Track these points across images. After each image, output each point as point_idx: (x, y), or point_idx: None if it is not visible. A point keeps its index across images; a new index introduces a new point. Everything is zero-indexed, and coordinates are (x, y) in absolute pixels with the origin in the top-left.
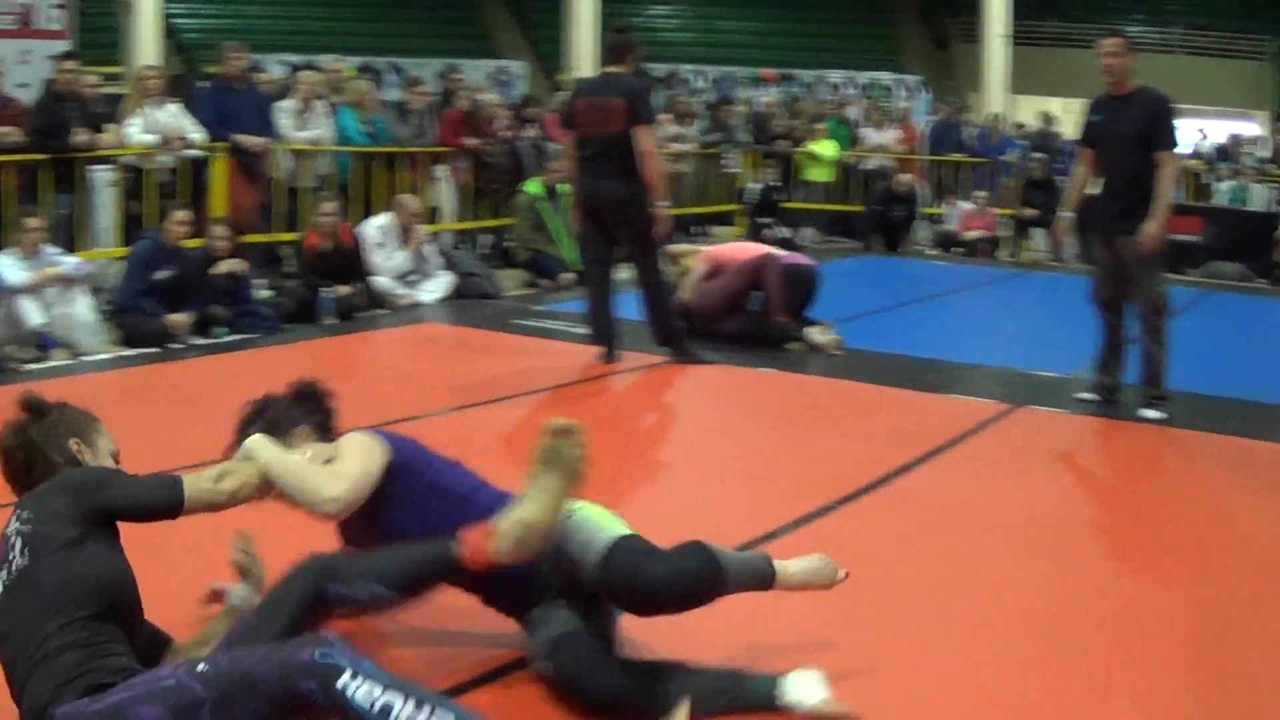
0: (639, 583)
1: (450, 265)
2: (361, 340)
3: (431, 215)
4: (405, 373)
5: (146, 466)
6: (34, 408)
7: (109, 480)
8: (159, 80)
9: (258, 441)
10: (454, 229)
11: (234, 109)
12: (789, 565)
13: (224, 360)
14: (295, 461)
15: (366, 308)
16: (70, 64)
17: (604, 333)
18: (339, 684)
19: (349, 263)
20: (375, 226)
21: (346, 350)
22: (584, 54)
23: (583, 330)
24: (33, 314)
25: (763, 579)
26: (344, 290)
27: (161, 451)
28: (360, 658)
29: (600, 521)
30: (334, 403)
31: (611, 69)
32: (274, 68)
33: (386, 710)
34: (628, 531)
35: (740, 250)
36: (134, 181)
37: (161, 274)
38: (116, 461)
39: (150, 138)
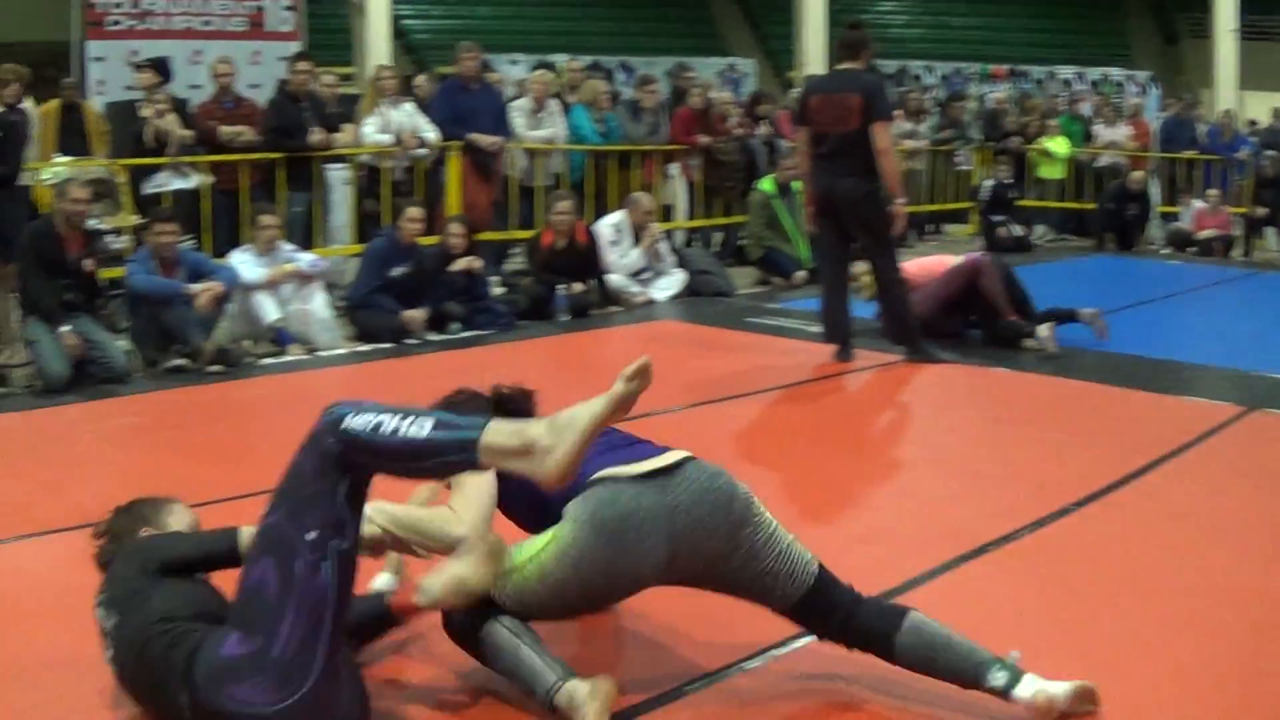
0: None
1: (683, 263)
2: (595, 337)
3: (665, 213)
4: None
5: None
6: (114, 511)
7: (161, 540)
8: (394, 80)
9: (374, 508)
10: (687, 227)
11: (468, 108)
12: None
13: (459, 356)
14: (413, 516)
15: (600, 305)
16: (304, 65)
17: (838, 331)
18: (344, 426)
19: (584, 260)
20: (609, 224)
21: (581, 347)
22: (813, 51)
23: (817, 328)
24: (269, 309)
25: None
26: (578, 288)
27: None
28: (362, 401)
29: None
30: (532, 410)
31: (846, 65)
32: (503, 67)
33: (377, 426)
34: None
35: (925, 265)
36: (369, 179)
37: (397, 270)
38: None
39: (385, 137)
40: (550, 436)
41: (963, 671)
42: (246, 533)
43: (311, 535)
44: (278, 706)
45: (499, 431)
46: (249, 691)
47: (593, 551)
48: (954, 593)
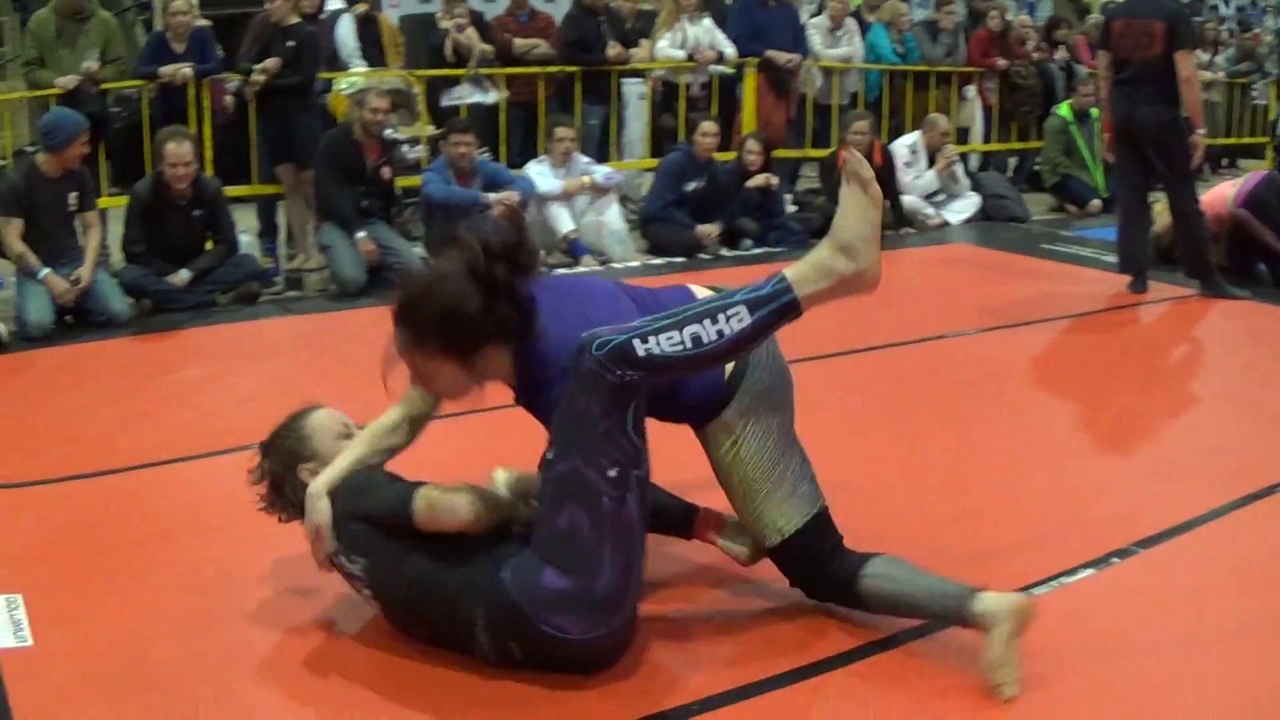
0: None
1: (978, 186)
2: (889, 258)
3: (960, 135)
4: (932, 292)
5: None
6: (262, 452)
7: (352, 493)
8: None
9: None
10: (982, 150)
11: (765, 25)
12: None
13: (751, 272)
14: None
15: (894, 226)
16: None
17: (1133, 261)
18: (639, 353)
19: (878, 180)
20: (905, 145)
21: None
22: None
23: (1111, 258)
24: (564, 221)
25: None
26: None
27: None
28: (618, 327)
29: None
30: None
31: None
32: None
33: (697, 339)
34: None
35: (1210, 197)
36: (666, 95)
37: (691, 185)
38: (348, 429)
39: (681, 53)
40: (852, 261)
41: (944, 606)
42: (424, 495)
43: (613, 473)
44: (591, 635)
45: (806, 280)
46: (567, 621)
47: (769, 407)
48: (1239, 532)
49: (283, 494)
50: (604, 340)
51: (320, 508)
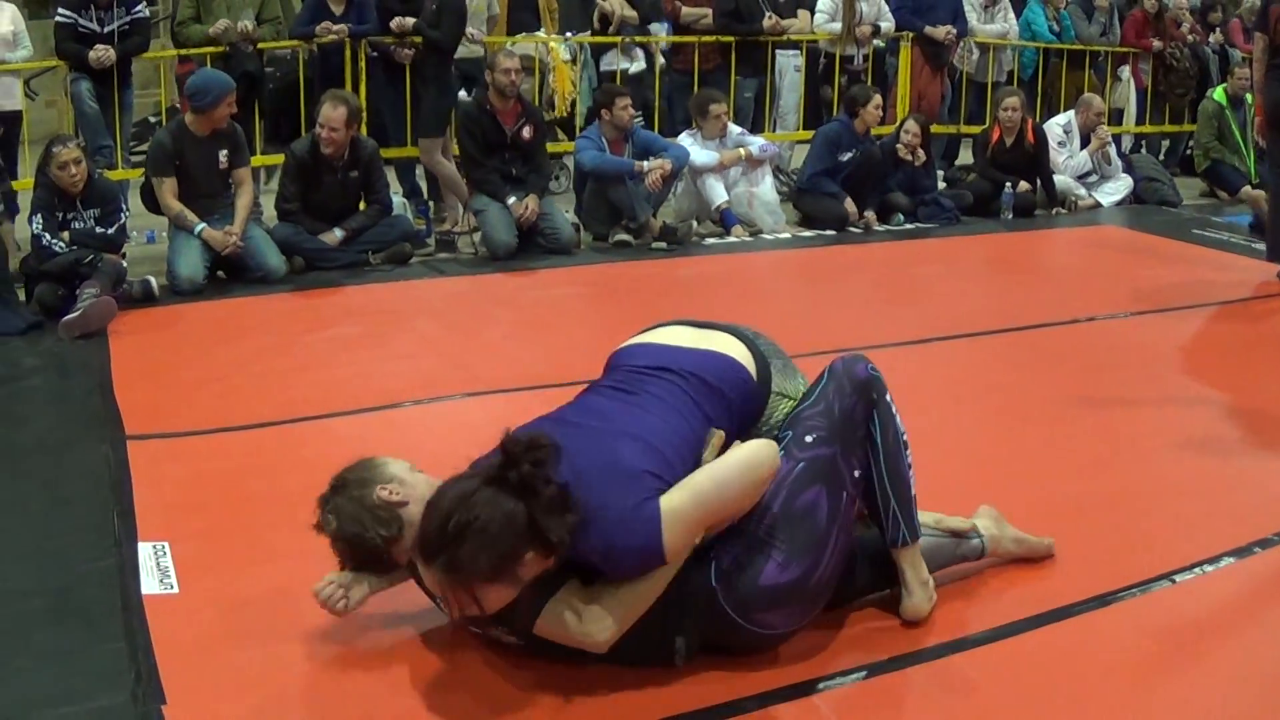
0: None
1: (1130, 168)
2: (1039, 238)
3: (1112, 117)
4: (1081, 273)
5: (847, 343)
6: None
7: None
8: None
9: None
10: (1135, 132)
11: (927, 1)
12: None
13: (900, 247)
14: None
15: (1045, 206)
16: None
17: None
18: (886, 396)
19: (1031, 159)
20: (1058, 124)
21: (1024, 246)
22: None
23: (1261, 246)
24: (717, 192)
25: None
26: (1024, 186)
27: (860, 331)
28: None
29: None
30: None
31: None
32: None
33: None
34: None
35: None
36: (826, 67)
37: (847, 156)
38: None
39: (837, 25)
40: None
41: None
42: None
43: (857, 474)
44: (794, 628)
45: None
46: (778, 617)
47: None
48: None
49: (362, 541)
50: (872, 366)
51: None
